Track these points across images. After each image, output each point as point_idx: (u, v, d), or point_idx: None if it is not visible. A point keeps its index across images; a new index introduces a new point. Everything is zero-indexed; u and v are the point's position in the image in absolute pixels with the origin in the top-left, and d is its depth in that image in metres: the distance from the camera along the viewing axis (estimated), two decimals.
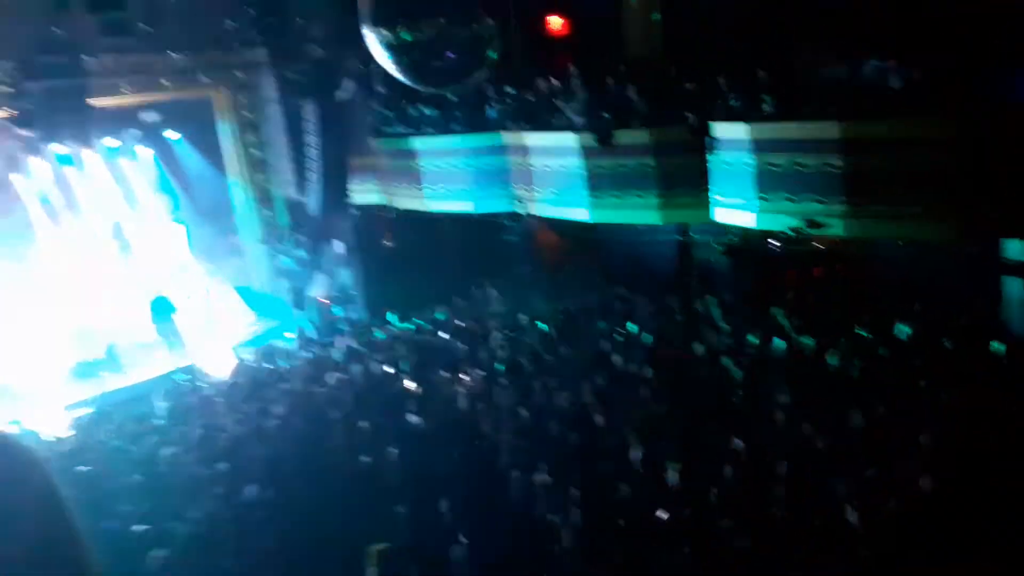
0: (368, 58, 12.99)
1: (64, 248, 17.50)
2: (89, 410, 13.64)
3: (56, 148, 16.77)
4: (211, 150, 19.31)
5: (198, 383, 13.97)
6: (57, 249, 17.42)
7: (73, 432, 12.93)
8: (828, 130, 10.45)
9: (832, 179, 10.47)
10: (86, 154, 17.35)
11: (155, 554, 7.37)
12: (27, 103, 14.22)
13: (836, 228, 10.55)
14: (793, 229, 10.78)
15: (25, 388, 15.06)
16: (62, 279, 16.93)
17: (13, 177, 17.62)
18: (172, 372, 14.45)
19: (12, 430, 11.91)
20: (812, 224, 10.68)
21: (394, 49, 11.47)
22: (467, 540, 7.42)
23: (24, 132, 15.14)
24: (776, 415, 8.83)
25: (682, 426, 9.06)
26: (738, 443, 8.32)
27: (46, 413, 13.75)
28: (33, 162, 17.28)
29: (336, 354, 13.71)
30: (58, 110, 14.60)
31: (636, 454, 8.55)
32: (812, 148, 10.63)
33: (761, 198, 11.18)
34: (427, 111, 15.78)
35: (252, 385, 12.95)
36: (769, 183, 11.10)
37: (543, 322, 12.97)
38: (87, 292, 16.87)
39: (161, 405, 12.80)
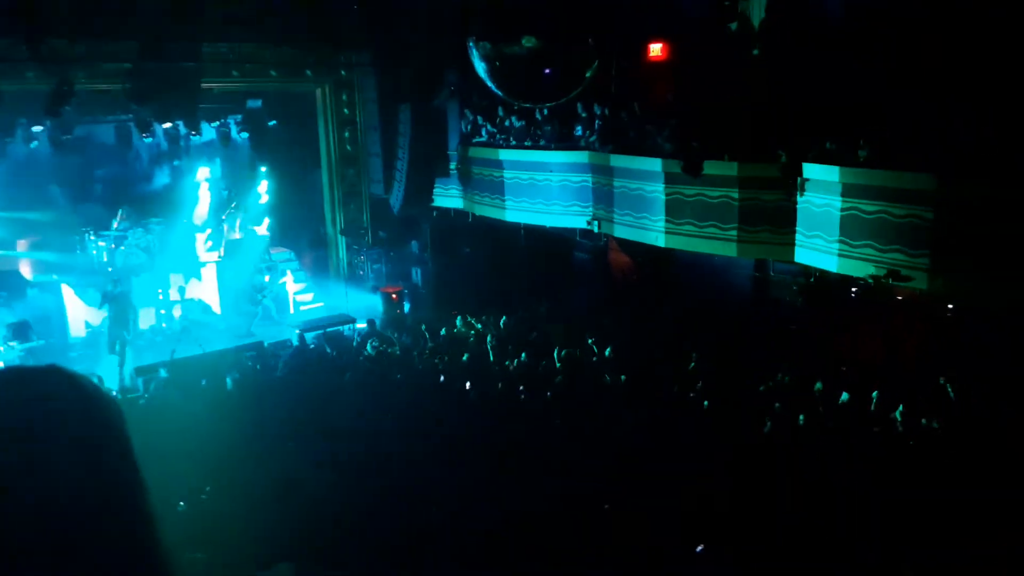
0: (467, 68, 13.36)
1: (158, 218, 18.42)
2: (160, 374, 14.19)
3: (165, 125, 17.73)
4: (307, 141, 20.06)
5: (263, 361, 14.42)
6: (152, 218, 18.35)
7: (142, 391, 13.56)
8: (923, 181, 10.18)
9: (921, 232, 10.19)
10: (190, 132, 18.25)
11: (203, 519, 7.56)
12: (144, 82, 15.00)
13: (920, 282, 10.24)
14: (874, 278, 10.51)
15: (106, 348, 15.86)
16: (153, 247, 17.79)
17: (124, 149, 18.75)
18: (241, 346, 14.92)
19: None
20: (894, 275, 10.40)
21: (493, 62, 11.78)
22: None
23: (138, 107, 16.00)
24: (828, 470, 8.56)
25: (728, 466, 8.85)
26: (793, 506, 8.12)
27: (121, 371, 14.46)
28: (143, 136, 18.32)
29: (397, 348, 13.95)
30: (171, 89, 15.36)
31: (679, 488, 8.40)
32: (904, 198, 10.37)
33: (844, 243, 10.94)
34: (516, 124, 16.07)
35: (315, 369, 13.28)
36: (855, 229, 10.86)
37: (599, 343, 12.92)
38: (174, 261, 17.69)
39: (228, 378, 13.29)
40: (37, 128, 17.00)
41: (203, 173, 19.55)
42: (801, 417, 9.67)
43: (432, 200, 17.88)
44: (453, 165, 17.70)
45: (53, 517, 1.03)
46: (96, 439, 1.12)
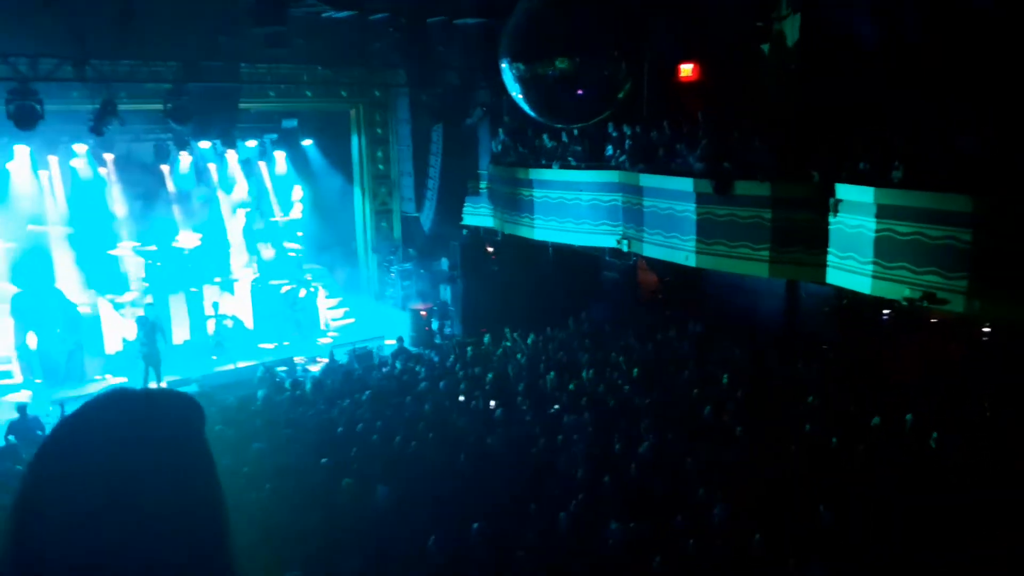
0: (500, 89, 13.47)
1: (195, 234, 18.75)
2: (192, 388, 14.38)
3: (203, 144, 18.09)
4: (340, 160, 20.34)
5: (294, 377, 14.53)
6: (189, 234, 18.68)
7: None
8: (960, 203, 10.00)
9: (958, 254, 9.99)
10: (227, 151, 18.62)
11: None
12: (185, 100, 15.34)
13: (956, 304, 10.03)
14: (908, 300, 10.32)
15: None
16: (189, 262, 18.10)
17: (162, 166, 19.14)
18: (272, 362, 15.07)
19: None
20: (930, 298, 10.20)
21: (527, 83, 11.89)
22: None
23: (177, 126, 16.34)
24: (863, 489, 8.41)
25: (761, 486, 8.73)
26: (824, 513, 8.01)
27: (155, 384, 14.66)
28: (181, 154, 18.73)
29: (425, 364, 14.00)
30: (210, 109, 15.69)
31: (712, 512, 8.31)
32: (941, 219, 10.18)
33: (878, 264, 10.76)
34: (548, 143, 16.14)
35: (343, 385, 13.35)
36: (889, 250, 10.69)
37: (629, 362, 12.84)
38: (209, 277, 17.96)
39: (258, 393, 13.43)
40: (80, 145, 17.42)
41: (239, 190, 19.89)
42: (834, 440, 9.52)
43: (462, 219, 18.00)
44: (484, 184, 17.81)
45: (161, 527, 1.10)
46: (198, 456, 1.20)
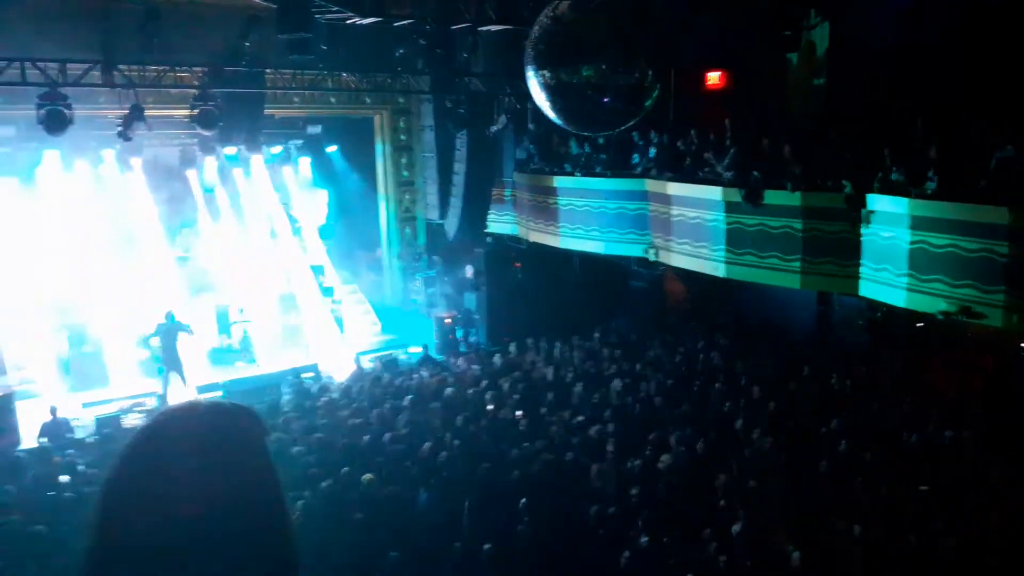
0: (525, 96, 13.41)
1: (220, 240, 18.82)
2: (218, 394, 14.41)
3: (228, 149, 18.15)
4: (364, 167, 20.36)
5: (320, 383, 14.54)
6: (214, 240, 18.76)
7: None
8: (997, 215, 9.82)
9: (995, 267, 9.82)
10: (252, 157, 18.68)
11: None
12: (210, 105, 15.41)
13: (993, 319, 9.85)
14: (944, 314, 10.15)
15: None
16: (214, 268, 18.17)
17: (187, 171, 19.25)
18: (298, 368, 15.06)
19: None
20: (966, 312, 10.02)
21: (552, 90, 11.79)
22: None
23: (203, 132, 16.41)
24: (901, 506, 8.27)
25: (794, 506, 8.61)
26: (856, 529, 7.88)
27: (180, 391, 14.70)
28: (206, 159, 18.81)
29: (452, 373, 13.96)
30: (235, 114, 15.75)
31: (737, 526, 8.20)
32: (977, 231, 10.01)
33: (913, 277, 10.60)
34: (573, 151, 16.06)
35: (368, 392, 13.33)
36: (924, 263, 10.52)
37: (657, 373, 12.72)
38: (234, 282, 18.00)
39: (285, 399, 13.46)
40: (108, 151, 17.53)
41: (264, 197, 19.94)
42: (867, 455, 9.38)
43: (487, 226, 17.96)
44: (508, 192, 17.76)
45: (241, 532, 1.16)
46: (263, 464, 1.25)
